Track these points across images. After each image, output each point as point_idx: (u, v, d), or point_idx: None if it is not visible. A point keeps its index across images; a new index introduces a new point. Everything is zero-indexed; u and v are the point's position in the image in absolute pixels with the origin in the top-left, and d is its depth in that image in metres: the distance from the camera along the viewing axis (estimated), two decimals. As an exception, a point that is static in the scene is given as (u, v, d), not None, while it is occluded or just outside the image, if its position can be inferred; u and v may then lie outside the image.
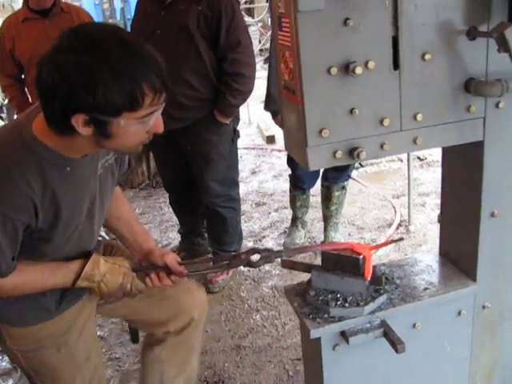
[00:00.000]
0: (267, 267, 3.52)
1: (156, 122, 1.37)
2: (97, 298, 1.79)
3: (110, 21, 7.03)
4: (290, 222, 3.85)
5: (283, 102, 1.45)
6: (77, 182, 1.50)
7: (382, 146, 1.37)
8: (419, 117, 1.37)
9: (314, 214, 4.03)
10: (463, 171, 1.60)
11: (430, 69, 1.34)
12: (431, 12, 1.30)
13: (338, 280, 1.56)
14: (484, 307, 1.67)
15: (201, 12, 2.82)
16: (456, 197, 1.66)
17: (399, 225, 3.83)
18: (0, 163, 1.35)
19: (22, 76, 3.66)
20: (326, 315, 1.52)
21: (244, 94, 2.99)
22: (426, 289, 1.61)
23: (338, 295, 1.55)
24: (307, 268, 1.65)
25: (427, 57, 1.32)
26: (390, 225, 3.85)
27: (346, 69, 1.27)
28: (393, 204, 4.15)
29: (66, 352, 1.71)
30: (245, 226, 4.04)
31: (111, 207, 1.80)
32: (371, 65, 1.28)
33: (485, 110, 1.43)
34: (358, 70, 1.25)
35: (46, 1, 3.53)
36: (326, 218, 3.63)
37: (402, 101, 1.35)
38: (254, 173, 5.29)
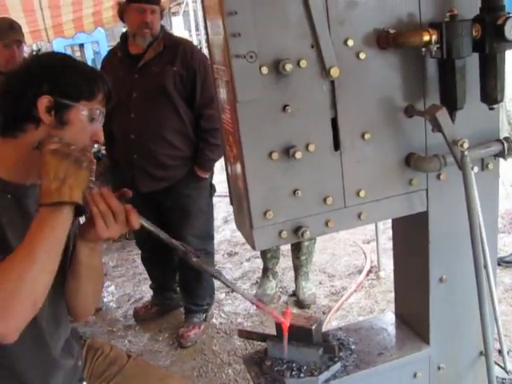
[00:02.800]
0: (239, 319, 3.54)
1: (98, 129, 1.45)
2: None
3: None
4: (261, 272, 3.87)
5: (230, 183, 1.49)
6: (22, 213, 1.41)
7: (326, 224, 1.42)
8: (362, 193, 1.42)
9: (285, 262, 4.05)
10: (411, 238, 1.65)
11: (370, 147, 1.40)
12: (369, 93, 1.37)
13: (293, 350, 1.58)
14: (439, 368, 1.70)
15: (176, 72, 2.91)
16: (406, 261, 1.71)
17: (369, 271, 3.86)
18: None
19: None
20: (282, 386, 1.54)
21: (221, 148, 3.05)
22: (380, 354, 1.63)
23: (294, 365, 1.57)
24: (262, 338, 1.67)
25: (367, 136, 1.38)
26: (360, 271, 3.88)
27: (287, 153, 1.32)
28: (363, 250, 4.19)
29: None
30: (217, 277, 4.05)
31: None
32: (312, 147, 1.34)
33: (427, 182, 1.49)
34: (298, 155, 1.31)
35: (15, 63, 3.55)
36: (297, 268, 3.65)
37: (345, 179, 1.41)
38: (226, 221, 5.32)
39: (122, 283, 4.35)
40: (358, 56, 1.32)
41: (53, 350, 1.54)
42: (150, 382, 1.76)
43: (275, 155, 1.32)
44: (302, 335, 1.57)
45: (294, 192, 1.36)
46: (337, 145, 1.38)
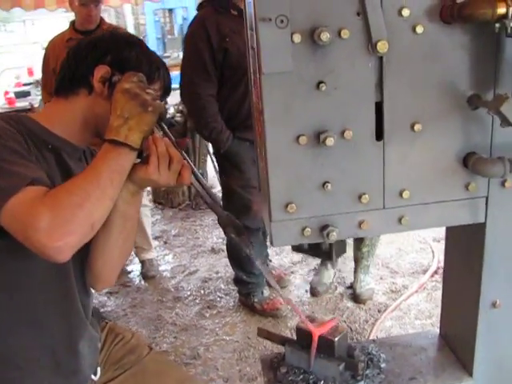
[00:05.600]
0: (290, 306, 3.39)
1: None
2: None
3: (169, 37, 7.08)
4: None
5: (258, 167, 1.32)
6: (61, 170, 1.37)
7: (359, 225, 1.21)
8: (406, 194, 1.20)
9: (349, 252, 3.82)
10: (464, 252, 1.41)
11: (420, 140, 1.18)
12: (425, 75, 1.14)
13: (312, 361, 1.40)
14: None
15: None
16: (457, 277, 1.48)
17: (435, 272, 3.56)
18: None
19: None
20: (293, 399, 1.37)
21: None
22: (412, 378, 1.42)
23: (311, 377, 1.40)
24: (282, 341, 1.51)
25: (417, 127, 1.16)
26: (425, 271, 3.60)
27: (318, 138, 1.13)
28: (432, 248, 3.89)
29: None
30: (275, 259, 3.93)
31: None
32: (348, 134, 1.13)
33: (488, 189, 1.24)
34: (330, 142, 1.11)
35: (91, 22, 3.55)
36: (357, 260, 3.43)
37: (386, 176, 1.19)
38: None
39: (179, 253, 4.31)
40: (414, 29, 1.09)
41: (82, 313, 1.48)
42: (167, 381, 1.64)
43: (303, 139, 1.13)
44: (323, 346, 1.39)
45: (324, 185, 1.17)
46: (380, 134, 1.16)
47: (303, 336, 1.43)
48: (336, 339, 1.37)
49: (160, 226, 4.85)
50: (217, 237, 4.47)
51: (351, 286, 3.46)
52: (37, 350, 1.39)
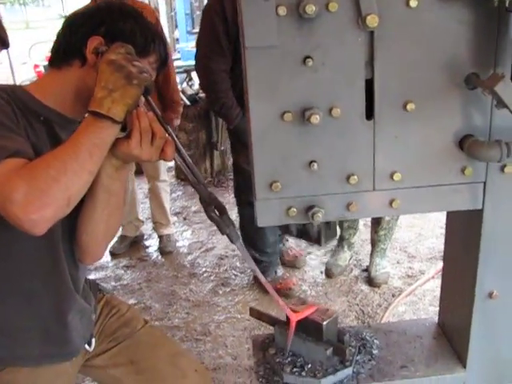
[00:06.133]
0: (304, 286, 3.37)
1: None
2: (81, 362, 1.61)
3: (198, 13, 7.01)
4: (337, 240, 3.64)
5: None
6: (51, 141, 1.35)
7: (347, 207, 1.17)
8: (397, 176, 1.16)
9: (366, 234, 3.77)
10: (461, 239, 1.36)
11: (413, 121, 1.13)
12: (419, 52, 1.08)
13: (300, 343, 1.38)
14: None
15: None
16: (454, 265, 1.42)
17: (455, 259, 3.48)
18: None
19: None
20: (279, 380, 1.35)
21: None
22: (403, 367, 1.38)
23: (299, 360, 1.38)
24: (272, 322, 1.48)
25: (410, 106, 1.10)
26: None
27: (304, 115, 1.08)
28: (453, 234, 3.79)
29: None
30: (292, 239, 3.88)
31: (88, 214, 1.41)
32: (336, 112, 1.09)
33: (486, 174, 1.18)
34: (315, 119, 1.06)
35: None
36: (374, 243, 3.37)
37: (376, 156, 1.15)
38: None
39: (198, 230, 4.31)
40: (407, 3, 1.03)
41: (72, 285, 1.47)
42: (159, 354, 1.64)
43: (288, 116, 1.09)
44: (312, 329, 1.37)
45: (310, 163, 1.13)
46: (370, 113, 1.11)
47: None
48: (324, 323, 1.34)
49: (181, 202, 4.86)
50: (236, 215, 4.46)
51: (367, 269, 3.40)
52: (26, 320, 1.40)
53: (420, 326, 1.54)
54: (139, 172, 4.18)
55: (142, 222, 4.12)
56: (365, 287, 3.29)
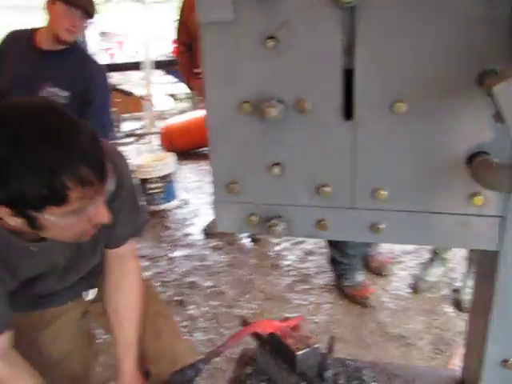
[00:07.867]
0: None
1: (98, 212, 1.20)
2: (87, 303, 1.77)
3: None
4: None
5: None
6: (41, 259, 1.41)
7: (317, 224, 0.97)
8: (382, 194, 0.92)
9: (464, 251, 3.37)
10: (483, 287, 1.07)
11: (404, 125, 0.88)
12: (415, 39, 0.83)
13: (275, 368, 1.20)
14: None
15: None
16: (477, 318, 1.13)
17: None
18: None
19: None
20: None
21: None
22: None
23: (272, 388, 1.20)
24: (257, 337, 1.31)
25: (401, 107, 0.86)
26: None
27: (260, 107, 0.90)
28: None
29: (36, 348, 1.66)
30: (386, 244, 3.60)
31: (113, 291, 1.63)
32: (303, 106, 0.89)
33: (505, 206, 0.90)
34: (272, 112, 0.87)
35: None
36: (470, 263, 2.98)
37: (357, 167, 0.92)
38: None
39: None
40: (397, -28, 0.80)
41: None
42: (146, 310, 1.69)
43: (247, 107, 0.91)
44: (287, 357, 1.18)
45: (273, 166, 0.94)
46: (349, 111, 0.89)
47: (273, 339, 1.22)
48: (299, 353, 1.14)
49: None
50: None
51: (457, 290, 3.03)
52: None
53: (435, 376, 1.26)
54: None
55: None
56: (450, 310, 2.94)
